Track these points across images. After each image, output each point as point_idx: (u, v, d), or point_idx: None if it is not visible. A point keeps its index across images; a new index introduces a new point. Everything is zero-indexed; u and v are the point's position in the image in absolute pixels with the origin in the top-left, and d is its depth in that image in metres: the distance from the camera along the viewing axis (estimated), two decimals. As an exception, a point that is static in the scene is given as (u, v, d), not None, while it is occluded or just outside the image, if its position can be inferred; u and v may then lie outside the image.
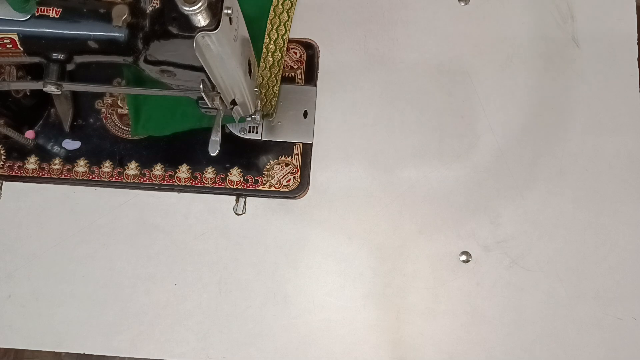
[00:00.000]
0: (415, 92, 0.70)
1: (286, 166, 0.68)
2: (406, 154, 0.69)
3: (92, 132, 0.70)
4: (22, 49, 0.52)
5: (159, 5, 0.50)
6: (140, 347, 0.65)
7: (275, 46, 0.70)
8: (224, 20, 0.45)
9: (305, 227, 0.67)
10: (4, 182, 0.69)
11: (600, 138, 0.69)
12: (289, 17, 0.71)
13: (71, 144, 0.69)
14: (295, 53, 0.72)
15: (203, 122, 0.68)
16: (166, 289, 0.66)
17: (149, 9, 0.51)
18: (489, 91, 0.70)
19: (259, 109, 0.63)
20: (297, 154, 0.69)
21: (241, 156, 0.69)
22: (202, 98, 0.55)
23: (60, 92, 0.54)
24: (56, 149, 0.69)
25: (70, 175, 0.68)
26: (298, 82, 0.70)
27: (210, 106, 0.56)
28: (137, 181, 0.68)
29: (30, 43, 0.52)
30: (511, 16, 0.72)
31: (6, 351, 1.26)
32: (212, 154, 0.56)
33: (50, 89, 0.54)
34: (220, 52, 0.48)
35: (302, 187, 0.68)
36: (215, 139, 0.57)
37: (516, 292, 0.65)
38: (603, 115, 0.70)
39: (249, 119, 0.64)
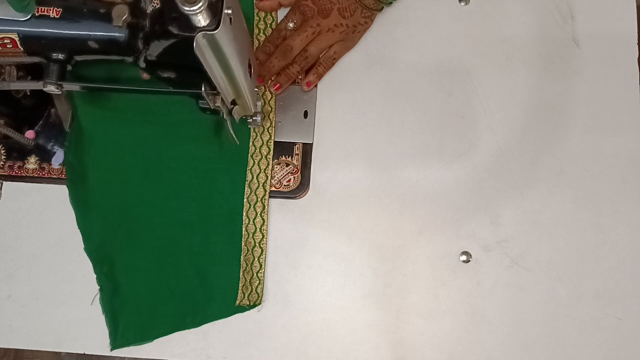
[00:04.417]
0: (415, 92, 0.70)
1: (286, 166, 0.68)
2: (406, 154, 0.69)
3: (92, 132, 0.70)
4: (22, 48, 0.52)
5: (159, 5, 0.50)
6: (140, 347, 0.65)
7: None
8: (224, 20, 0.45)
9: (305, 227, 0.67)
10: (4, 182, 0.69)
11: (600, 138, 0.69)
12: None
13: (71, 144, 0.69)
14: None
15: (187, 324, 0.64)
16: (166, 289, 0.66)
17: (149, 9, 0.51)
18: (489, 91, 0.70)
19: (259, 110, 0.63)
20: (297, 154, 0.69)
21: (241, 156, 0.69)
22: (202, 98, 0.55)
23: (60, 92, 0.54)
24: (56, 149, 0.69)
25: (70, 175, 0.68)
26: (298, 82, 0.70)
27: (211, 107, 0.56)
28: (137, 181, 0.68)
29: (30, 43, 0.52)
30: (511, 16, 0.72)
31: (6, 351, 1.26)
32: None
33: (50, 89, 0.54)
34: (221, 52, 0.48)
35: (302, 187, 0.68)
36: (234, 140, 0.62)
37: (516, 292, 0.66)
38: (603, 115, 0.70)
39: (250, 120, 0.64)
